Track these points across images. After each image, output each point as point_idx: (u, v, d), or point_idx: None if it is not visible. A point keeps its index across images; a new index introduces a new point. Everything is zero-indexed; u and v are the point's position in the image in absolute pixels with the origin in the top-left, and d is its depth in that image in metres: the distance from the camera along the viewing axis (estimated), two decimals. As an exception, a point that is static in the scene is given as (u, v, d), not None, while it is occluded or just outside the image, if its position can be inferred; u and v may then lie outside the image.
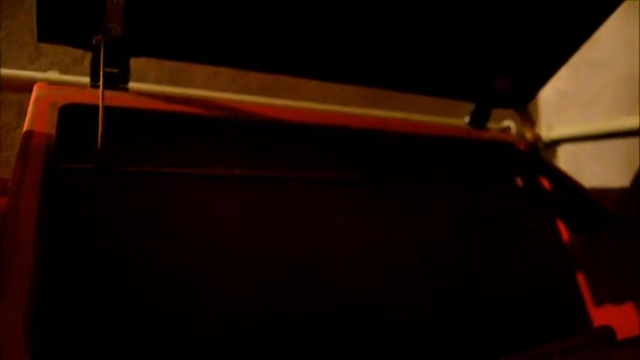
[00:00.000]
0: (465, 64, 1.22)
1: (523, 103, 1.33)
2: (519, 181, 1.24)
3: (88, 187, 0.81)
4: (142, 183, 0.86)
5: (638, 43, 1.56)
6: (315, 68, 1.11)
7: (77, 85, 1.03)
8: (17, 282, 0.57)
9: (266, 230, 0.95)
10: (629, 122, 1.52)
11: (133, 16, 0.86)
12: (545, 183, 1.25)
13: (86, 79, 0.88)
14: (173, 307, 0.83)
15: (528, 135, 1.33)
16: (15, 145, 1.11)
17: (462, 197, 1.22)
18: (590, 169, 1.72)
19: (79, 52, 1.22)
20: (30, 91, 0.82)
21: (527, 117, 1.31)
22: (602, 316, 1.09)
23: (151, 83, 1.29)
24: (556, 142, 1.80)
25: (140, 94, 0.91)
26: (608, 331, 0.83)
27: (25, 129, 0.75)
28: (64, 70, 1.20)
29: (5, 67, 1.11)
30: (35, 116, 0.77)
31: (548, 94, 1.85)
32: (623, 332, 0.84)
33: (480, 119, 1.33)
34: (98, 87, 0.82)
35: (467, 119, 1.34)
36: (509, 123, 1.68)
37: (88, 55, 0.88)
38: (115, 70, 0.87)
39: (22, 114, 1.14)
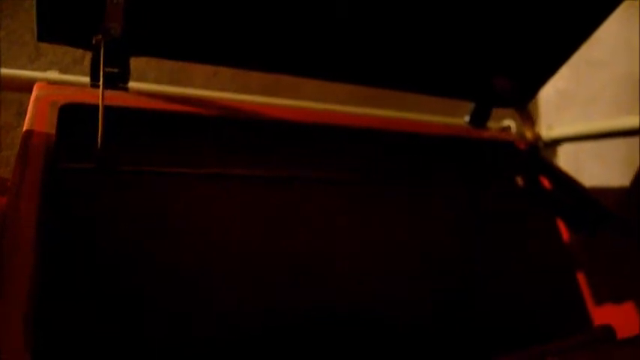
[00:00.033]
0: (465, 64, 1.22)
1: (523, 102, 1.33)
2: (519, 181, 1.24)
3: (88, 186, 0.81)
4: (142, 182, 0.86)
5: (637, 42, 1.56)
6: (315, 68, 1.11)
7: (77, 85, 1.03)
8: (17, 282, 0.57)
9: (266, 230, 0.95)
10: (629, 122, 1.52)
11: (133, 16, 0.86)
12: (546, 182, 1.25)
13: (86, 79, 0.88)
14: (173, 307, 0.82)
15: (528, 134, 1.33)
16: (15, 145, 1.11)
17: (462, 197, 1.22)
18: (591, 168, 1.72)
19: (79, 51, 1.22)
20: (30, 90, 0.82)
21: (528, 116, 1.31)
22: (602, 315, 1.09)
23: (151, 83, 1.29)
24: (556, 142, 1.80)
25: (140, 93, 0.91)
26: (608, 331, 0.83)
27: (25, 128, 0.75)
28: (64, 70, 1.20)
29: (5, 66, 1.11)
30: (35, 116, 0.77)
31: (549, 94, 1.85)
32: (623, 332, 0.84)
33: (480, 118, 1.33)
34: (98, 87, 0.82)
35: (467, 118, 1.34)
36: (510, 122, 1.67)
37: (88, 55, 0.88)
38: (115, 70, 0.87)
39: (22, 113, 1.14)
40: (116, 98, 0.84)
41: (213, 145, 0.94)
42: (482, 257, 1.18)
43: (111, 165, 0.82)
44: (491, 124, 1.41)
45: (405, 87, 1.25)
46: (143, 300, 0.80)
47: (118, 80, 0.88)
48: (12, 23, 1.18)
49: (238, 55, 1.03)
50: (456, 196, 1.21)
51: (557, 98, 1.85)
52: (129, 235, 0.82)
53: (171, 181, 0.88)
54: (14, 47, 1.18)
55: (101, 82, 0.82)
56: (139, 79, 1.20)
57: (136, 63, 0.92)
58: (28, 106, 0.79)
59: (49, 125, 0.76)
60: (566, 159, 1.80)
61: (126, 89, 0.89)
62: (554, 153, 1.82)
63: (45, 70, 1.18)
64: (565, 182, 1.24)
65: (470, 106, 1.34)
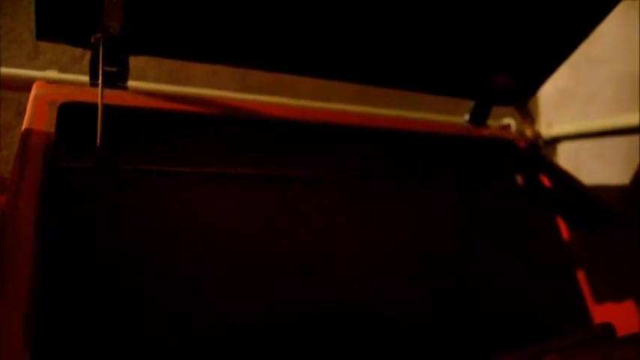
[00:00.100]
0: (465, 62, 1.22)
1: (523, 100, 1.33)
2: (519, 179, 1.24)
3: (87, 185, 0.81)
4: (142, 181, 0.86)
5: (637, 40, 1.55)
6: (315, 66, 1.11)
7: (76, 84, 1.03)
8: (17, 281, 0.57)
9: (265, 228, 0.95)
10: (629, 119, 1.52)
11: (132, 15, 0.86)
12: (545, 181, 1.25)
13: (85, 78, 0.88)
14: (172, 306, 0.82)
15: (528, 132, 1.33)
16: (14, 144, 1.11)
17: (462, 195, 1.22)
18: (591, 166, 1.72)
19: (78, 50, 1.22)
20: (29, 89, 0.82)
21: (527, 114, 1.31)
22: (602, 313, 1.09)
23: (150, 82, 1.29)
24: (556, 140, 1.80)
25: (139, 92, 0.91)
26: (608, 329, 0.83)
27: (24, 127, 0.75)
28: (63, 69, 1.20)
29: (4, 65, 1.11)
30: (34, 115, 0.77)
31: (548, 92, 1.85)
32: (623, 330, 0.84)
33: (479, 117, 1.33)
34: (97, 85, 0.82)
35: (467, 117, 1.34)
36: (509, 120, 1.67)
37: (87, 54, 0.88)
38: (114, 69, 0.87)
39: (21, 113, 1.13)
40: (115, 97, 0.84)
41: (212, 143, 0.94)
42: (482, 256, 1.18)
43: (110, 164, 0.82)
44: (491, 123, 1.41)
45: (404, 85, 1.25)
46: (142, 299, 0.80)
47: (117, 79, 0.88)
48: (11, 22, 1.17)
49: (237, 54, 1.03)
50: (455, 194, 1.21)
51: (557, 96, 1.85)
52: (128, 234, 0.82)
53: (170, 180, 0.88)
54: (13, 46, 1.18)
55: (100, 81, 0.82)
56: (138, 78, 1.20)
57: (135, 62, 0.92)
58: (27, 105, 0.79)
59: (48, 124, 0.76)
60: (566, 157, 1.80)
61: (125, 88, 0.89)
62: (554, 151, 1.82)
63: (44, 69, 1.18)
64: (565, 180, 1.24)
65: (469, 104, 1.34)
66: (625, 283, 1.08)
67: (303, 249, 0.97)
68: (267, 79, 1.43)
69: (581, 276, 1.15)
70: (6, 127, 1.14)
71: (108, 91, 0.82)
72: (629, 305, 1.05)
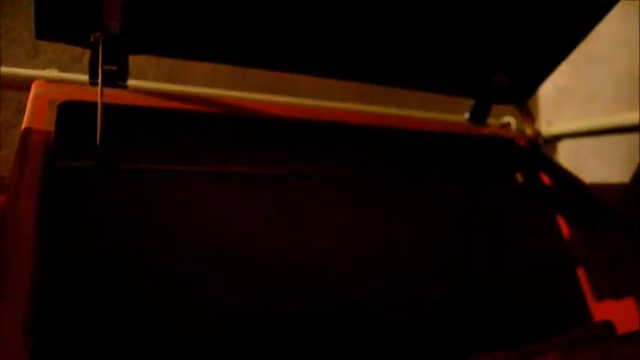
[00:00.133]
0: (465, 61, 1.22)
1: (523, 99, 1.33)
2: (519, 177, 1.24)
3: (86, 184, 0.81)
4: (141, 180, 0.86)
5: (637, 38, 1.55)
6: (314, 65, 1.11)
7: (76, 83, 1.03)
8: (17, 280, 0.57)
9: (264, 227, 0.95)
10: (629, 118, 1.51)
11: (132, 14, 0.86)
12: (546, 179, 1.24)
13: (85, 77, 0.88)
14: (171, 305, 0.83)
15: (528, 131, 1.33)
16: (14, 143, 1.11)
17: (462, 193, 1.22)
18: (591, 164, 1.71)
19: (78, 49, 1.22)
20: (29, 88, 0.82)
21: (527, 113, 1.31)
22: (602, 311, 1.09)
23: (150, 81, 1.29)
24: (556, 138, 1.80)
25: (139, 91, 0.91)
26: (608, 326, 0.83)
27: (23, 126, 0.75)
28: (62, 68, 1.20)
29: (4, 64, 1.11)
30: (34, 114, 0.77)
31: (548, 90, 1.85)
32: (623, 327, 0.84)
33: (479, 115, 1.33)
34: (97, 84, 0.82)
35: (467, 115, 1.34)
36: (509, 119, 1.67)
37: (87, 53, 0.88)
38: (114, 68, 0.87)
39: (20, 112, 1.13)
40: (115, 96, 0.84)
41: (211, 142, 0.94)
42: (482, 254, 1.18)
43: (110, 163, 0.82)
44: (491, 121, 1.41)
45: (404, 84, 1.25)
46: (141, 297, 0.80)
47: (116, 78, 0.88)
48: (10, 21, 1.17)
49: (236, 53, 1.03)
50: (455, 192, 1.21)
51: (557, 95, 1.84)
52: (128, 233, 0.82)
53: (169, 178, 0.88)
54: (13, 45, 1.17)
55: (100, 80, 0.82)
56: (137, 77, 1.20)
57: (134, 61, 0.92)
58: (26, 104, 0.79)
59: (47, 123, 0.76)
60: (566, 155, 1.79)
61: (125, 87, 0.89)
62: (554, 149, 1.82)
63: (44, 68, 1.18)
64: (565, 179, 1.24)
65: (470, 102, 1.34)
66: (625, 280, 1.08)
67: (301, 247, 0.97)
68: (266, 77, 1.43)
69: (581, 274, 1.15)
70: (6, 126, 1.14)
71: (107, 90, 0.82)
72: (629, 303, 1.05)
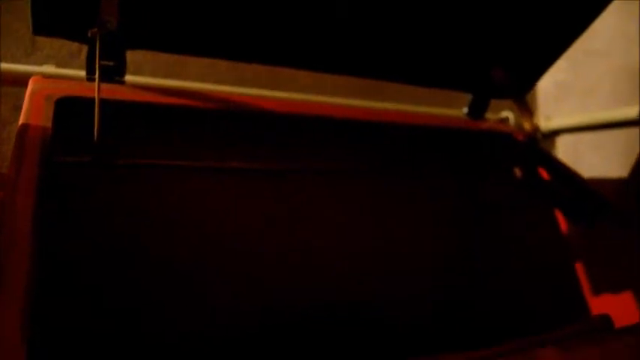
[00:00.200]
0: (463, 55, 1.22)
1: (521, 93, 1.32)
2: (517, 172, 1.23)
3: (84, 180, 0.80)
4: (139, 176, 0.85)
5: (635, 33, 1.55)
6: (312, 59, 1.11)
7: (73, 79, 1.02)
8: (14, 276, 0.57)
9: (262, 223, 0.95)
10: (627, 112, 1.52)
11: (129, 9, 0.85)
12: (544, 174, 1.24)
13: (82, 73, 0.88)
14: (168, 301, 0.83)
15: (526, 125, 1.32)
16: (11, 140, 1.11)
17: (460, 188, 1.22)
18: (589, 159, 1.72)
19: (75, 45, 1.22)
20: (26, 84, 0.82)
21: (526, 107, 1.31)
22: (601, 305, 1.09)
23: (147, 76, 1.29)
24: (555, 133, 1.80)
25: (136, 86, 0.91)
26: (606, 320, 0.83)
27: (20, 122, 0.75)
28: (60, 64, 1.20)
29: (1, 61, 1.11)
30: (31, 110, 0.77)
31: (547, 85, 1.85)
32: (621, 321, 0.84)
33: (478, 110, 1.33)
34: (94, 80, 0.82)
35: (465, 110, 1.34)
36: (508, 114, 1.67)
37: (84, 49, 0.87)
38: (111, 63, 0.87)
39: (17, 108, 1.13)
40: (112, 92, 0.84)
41: (209, 138, 0.94)
42: (480, 248, 1.18)
43: (107, 158, 0.82)
44: (490, 116, 1.41)
45: (402, 79, 1.25)
46: (138, 293, 0.81)
47: (114, 73, 0.88)
48: (7, 17, 1.17)
49: (234, 48, 1.02)
50: (454, 187, 1.21)
51: (556, 89, 1.84)
52: (125, 228, 0.82)
53: (167, 174, 0.88)
54: (10, 41, 1.17)
55: (97, 76, 0.81)
56: (135, 73, 1.19)
57: (132, 56, 0.92)
58: (24, 100, 0.79)
59: (44, 119, 0.76)
60: (564, 150, 1.80)
61: (122, 82, 0.89)
62: (552, 144, 1.82)
63: (41, 64, 1.18)
64: (563, 173, 1.24)
65: (468, 97, 1.34)
66: (623, 275, 1.08)
67: (299, 243, 0.97)
68: (263, 72, 1.43)
69: (579, 268, 1.15)
70: (3, 123, 1.14)
71: (105, 86, 0.82)
72: (627, 297, 1.05)
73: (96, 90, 0.79)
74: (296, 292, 0.94)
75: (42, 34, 0.88)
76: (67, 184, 0.79)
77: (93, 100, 0.78)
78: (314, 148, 1.04)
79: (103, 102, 0.79)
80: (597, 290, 1.12)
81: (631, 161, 1.58)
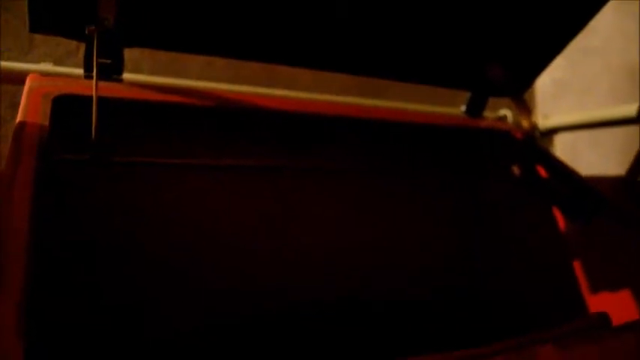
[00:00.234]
0: (461, 53, 1.22)
1: (519, 91, 1.32)
2: (516, 170, 1.23)
3: (81, 177, 0.80)
4: (135, 173, 0.85)
5: (633, 31, 1.55)
6: (310, 57, 1.10)
7: (71, 77, 1.02)
8: (11, 272, 0.57)
9: (257, 220, 0.95)
10: (625, 110, 1.51)
11: (126, 7, 0.85)
12: (542, 171, 1.24)
13: (80, 71, 0.88)
14: (163, 297, 0.83)
15: (525, 123, 1.32)
16: (8, 137, 1.11)
17: (459, 186, 1.22)
18: (587, 157, 1.72)
19: (73, 43, 1.22)
20: (23, 82, 0.82)
21: (524, 105, 1.31)
22: (598, 303, 1.09)
23: (145, 74, 1.28)
24: (553, 131, 1.80)
25: (134, 84, 0.91)
26: (603, 318, 0.83)
27: (18, 120, 0.75)
28: (57, 62, 1.20)
29: (-2, 59, 1.11)
30: (28, 107, 0.76)
31: (545, 83, 1.85)
32: (618, 318, 0.84)
33: (476, 108, 1.33)
34: (92, 78, 0.81)
35: (463, 108, 1.34)
36: (506, 112, 1.67)
37: (82, 47, 0.87)
38: (109, 61, 0.87)
39: (15, 106, 1.13)
40: (110, 89, 0.84)
41: (206, 135, 0.94)
42: (478, 246, 1.18)
43: (104, 156, 0.82)
44: (488, 114, 1.41)
45: (401, 76, 1.25)
46: (134, 289, 0.81)
47: (111, 71, 0.87)
48: (4, 14, 1.17)
49: (232, 46, 1.02)
50: (452, 185, 1.21)
51: (554, 87, 1.85)
52: (121, 226, 0.82)
53: (164, 171, 0.88)
54: (7, 39, 1.17)
55: (95, 73, 0.81)
56: (132, 70, 1.19)
57: (129, 54, 0.92)
58: (21, 98, 0.79)
59: (42, 117, 0.76)
60: (562, 148, 1.80)
61: (120, 80, 0.88)
62: (550, 142, 1.82)
63: (38, 62, 1.17)
64: (561, 171, 1.24)
65: (466, 95, 1.34)
66: (621, 272, 1.08)
67: (294, 240, 0.97)
68: (261, 70, 1.42)
69: (577, 266, 1.16)
70: (0, 120, 1.14)
71: (102, 84, 0.82)
72: (625, 294, 1.06)
73: (93, 88, 0.79)
74: (291, 288, 0.95)
75: (39, 31, 0.88)
76: (65, 182, 0.78)
77: (90, 97, 0.78)
78: (311, 145, 1.04)
79: (101, 100, 0.79)
80: (595, 287, 1.12)
81: (629, 159, 1.58)
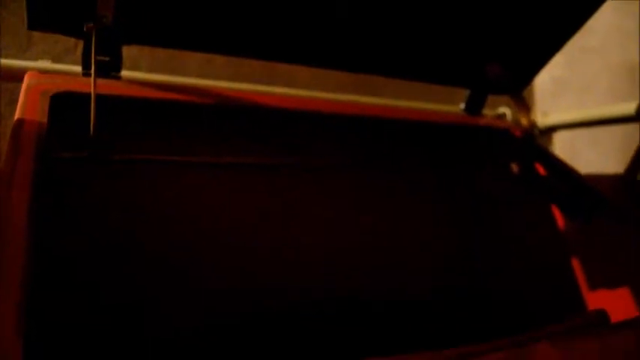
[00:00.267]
0: (460, 51, 1.21)
1: (518, 89, 1.32)
2: (515, 168, 1.24)
3: (80, 175, 0.80)
4: (134, 171, 0.85)
5: (631, 29, 1.55)
6: (309, 55, 1.10)
7: (69, 74, 1.02)
8: (10, 270, 0.57)
9: (256, 217, 0.95)
10: (624, 109, 1.51)
11: (125, 4, 0.85)
12: (541, 169, 1.24)
13: (78, 68, 0.87)
14: (163, 295, 0.83)
15: (524, 121, 1.32)
16: (6, 135, 1.10)
17: (458, 183, 1.21)
18: (586, 155, 1.72)
19: (71, 41, 1.21)
20: (21, 80, 0.81)
21: (523, 103, 1.31)
22: (597, 301, 1.10)
23: (144, 71, 1.28)
24: (552, 129, 1.80)
25: (132, 82, 0.91)
26: (602, 315, 0.84)
27: (16, 118, 0.75)
28: (55, 60, 1.19)
29: (-4, 56, 1.11)
30: (26, 105, 0.76)
31: (544, 81, 1.85)
32: (617, 316, 0.85)
33: (475, 106, 1.33)
34: (90, 75, 0.81)
35: (462, 106, 1.34)
36: (505, 110, 1.67)
37: (80, 44, 0.87)
38: (107, 59, 0.86)
39: (14, 103, 1.13)
40: (108, 87, 0.84)
41: (205, 133, 0.94)
42: (477, 244, 1.18)
43: (103, 154, 0.82)
44: (487, 112, 1.41)
45: (400, 74, 1.25)
46: (134, 288, 0.81)
47: (110, 69, 0.87)
48: (3, 12, 1.16)
49: (231, 43, 1.02)
50: (451, 183, 1.21)
51: (553, 85, 1.85)
52: (120, 223, 0.82)
53: (162, 169, 0.88)
54: (5, 37, 1.17)
55: (93, 71, 0.81)
56: (131, 68, 1.19)
57: (128, 51, 0.92)
58: (19, 95, 0.79)
59: (40, 114, 0.76)
60: (561, 146, 1.80)
61: (118, 78, 0.88)
62: (549, 140, 1.82)
63: (36, 59, 1.17)
64: (560, 169, 1.24)
65: (465, 93, 1.34)
66: (620, 271, 1.08)
67: (293, 237, 0.97)
68: (260, 68, 1.42)
69: (576, 264, 1.16)
70: (-2, 118, 1.14)
71: (101, 81, 0.82)
72: (623, 293, 1.06)
73: (92, 85, 0.78)
74: (290, 285, 0.95)
75: (37, 29, 0.87)
76: (63, 179, 0.78)
77: (89, 95, 0.78)
78: (309, 143, 1.04)
79: (99, 97, 0.79)
80: (594, 285, 1.12)
81: (628, 157, 1.58)
